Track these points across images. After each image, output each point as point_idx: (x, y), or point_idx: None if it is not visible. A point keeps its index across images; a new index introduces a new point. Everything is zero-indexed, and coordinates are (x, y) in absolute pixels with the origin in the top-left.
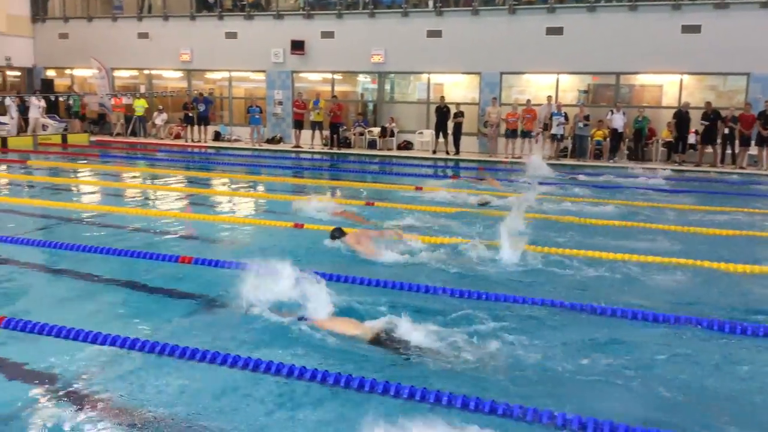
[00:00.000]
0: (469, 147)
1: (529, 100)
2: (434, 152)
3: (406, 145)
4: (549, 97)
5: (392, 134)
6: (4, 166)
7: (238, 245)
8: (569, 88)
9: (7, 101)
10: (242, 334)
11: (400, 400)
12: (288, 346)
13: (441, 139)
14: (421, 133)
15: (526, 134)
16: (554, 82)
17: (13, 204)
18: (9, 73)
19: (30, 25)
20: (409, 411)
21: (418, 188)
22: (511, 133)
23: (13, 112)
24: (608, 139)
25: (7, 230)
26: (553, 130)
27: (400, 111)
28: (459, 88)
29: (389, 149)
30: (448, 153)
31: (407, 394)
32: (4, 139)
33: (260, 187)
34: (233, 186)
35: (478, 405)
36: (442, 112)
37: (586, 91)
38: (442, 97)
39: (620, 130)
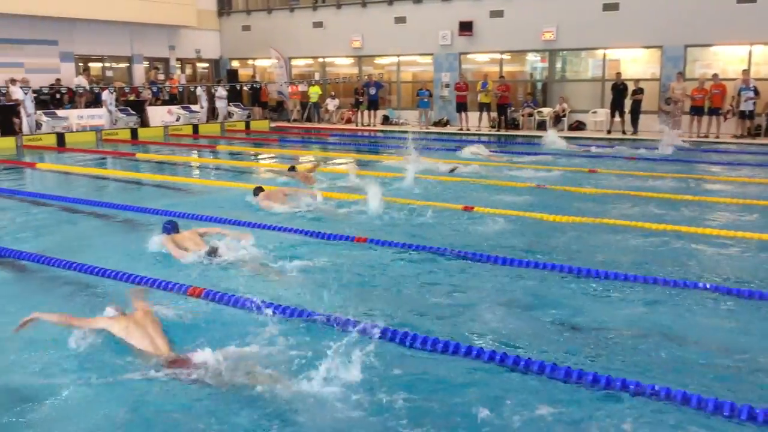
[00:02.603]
0: (649, 126)
1: (716, 75)
2: (609, 132)
3: (578, 126)
4: (744, 71)
5: (564, 114)
6: (195, 152)
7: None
8: (763, 60)
9: (198, 91)
10: None
11: None
12: None
13: (617, 119)
14: (595, 112)
15: (713, 111)
16: (746, 55)
17: (220, 186)
18: (199, 64)
19: (216, 19)
20: None
21: (592, 171)
22: (697, 111)
23: (203, 101)
24: None
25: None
26: (741, 107)
27: (572, 90)
28: (637, 64)
29: (560, 130)
30: (624, 133)
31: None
32: (196, 127)
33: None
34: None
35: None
36: (619, 89)
37: None
38: (618, 74)
39: None
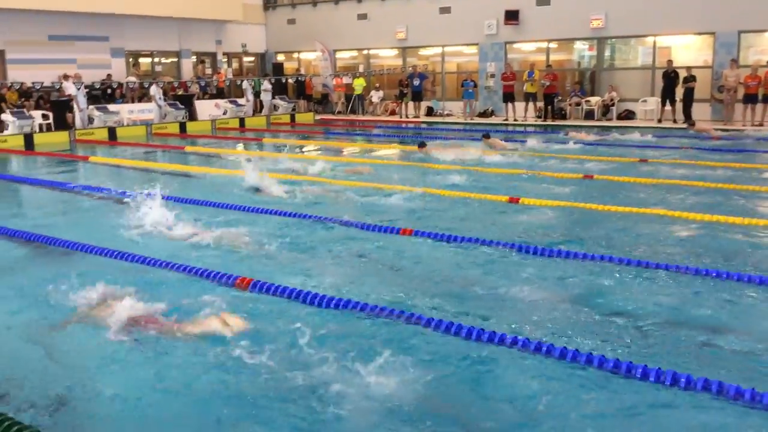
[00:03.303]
0: (702, 114)
1: None
2: (659, 121)
3: (627, 115)
4: None
5: (612, 103)
6: (241, 144)
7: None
8: None
9: (244, 85)
10: None
11: None
12: None
13: (668, 107)
14: (645, 101)
15: None
16: None
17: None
18: (245, 58)
19: (262, 13)
20: None
21: (643, 160)
22: (750, 99)
23: (249, 94)
24: None
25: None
26: None
27: (621, 78)
28: (689, 51)
29: (609, 119)
30: (675, 121)
31: None
32: (242, 120)
33: (468, 159)
34: (441, 158)
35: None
36: (670, 77)
37: None
38: (670, 61)
39: None
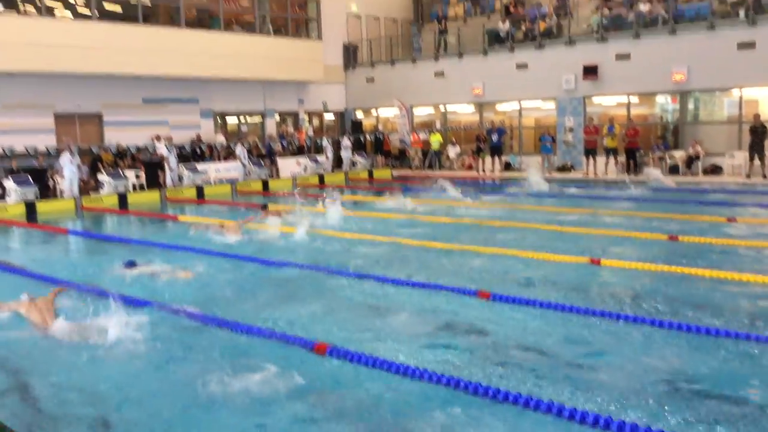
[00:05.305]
0: None
1: None
2: (748, 176)
3: (714, 170)
4: None
5: (697, 157)
6: (321, 200)
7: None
8: None
9: (324, 142)
10: None
11: None
12: None
13: (757, 162)
14: (732, 155)
15: None
16: None
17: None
18: (325, 116)
19: (342, 73)
20: None
21: (731, 219)
22: None
23: (329, 151)
24: None
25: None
26: None
27: (706, 132)
28: None
29: (694, 174)
30: (765, 176)
31: None
32: (321, 176)
33: (550, 218)
34: (518, 216)
35: None
36: (757, 131)
37: None
38: (757, 115)
39: None
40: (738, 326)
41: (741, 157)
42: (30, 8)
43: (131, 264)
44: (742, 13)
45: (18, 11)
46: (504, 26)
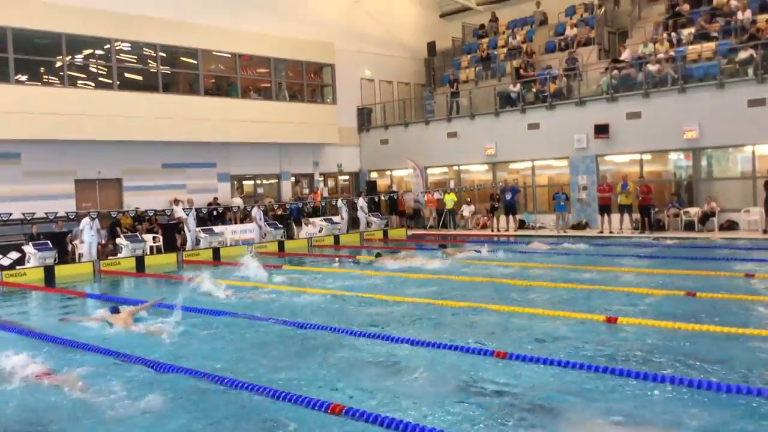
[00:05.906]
0: None
1: None
2: (765, 231)
3: (730, 226)
4: None
5: (713, 214)
6: (337, 262)
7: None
8: None
9: (339, 203)
10: None
11: None
12: None
13: None
14: (748, 210)
15: None
16: None
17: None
18: (340, 177)
19: (357, 135)
20: None
21: (749, 275)
22: None
23: (344, 212)
24: None
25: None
26: None
27: (720, 188)
28: None
29: (710, 230)
30: None
31: None
32: (337, 237)
33: (563, 275)
34: (536, 273)
35: None
36: None
37: None
38: None
39: None
40: (764, 383)
41: (756, 212)
42: (54, 79)
43: (114, 310)
44: (750, 71)
45: (42, 82)
46: (515, 88)
